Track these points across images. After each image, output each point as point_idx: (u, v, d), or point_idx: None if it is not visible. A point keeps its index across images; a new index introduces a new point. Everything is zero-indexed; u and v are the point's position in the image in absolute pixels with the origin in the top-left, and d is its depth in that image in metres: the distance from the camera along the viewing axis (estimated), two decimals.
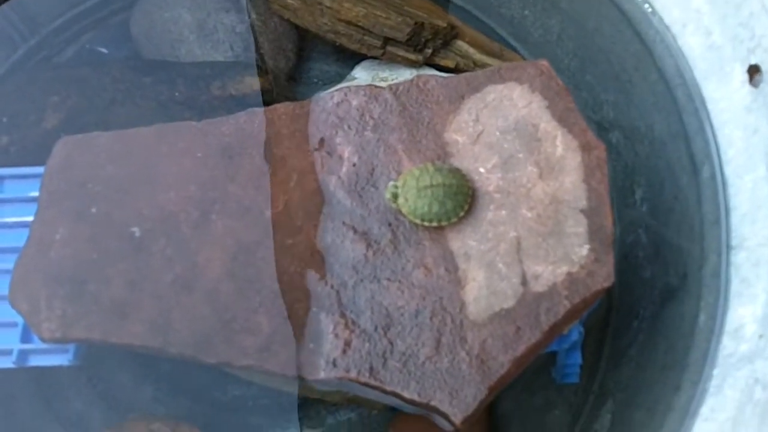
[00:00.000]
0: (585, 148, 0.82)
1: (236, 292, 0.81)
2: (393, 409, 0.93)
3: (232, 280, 0.82)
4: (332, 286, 0.81)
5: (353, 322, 0.79)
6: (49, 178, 0.88)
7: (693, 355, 0.81)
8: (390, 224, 0.82)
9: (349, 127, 0.87)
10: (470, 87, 0.87)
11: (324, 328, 0.79)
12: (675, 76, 0.92)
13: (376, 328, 0.78)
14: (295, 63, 1.21)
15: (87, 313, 0.81)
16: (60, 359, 0.86)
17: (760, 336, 0.77)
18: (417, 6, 1.12)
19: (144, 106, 1.07)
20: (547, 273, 0.78)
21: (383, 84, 0.91)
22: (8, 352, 0.86)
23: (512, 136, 0.83)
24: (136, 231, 0.85)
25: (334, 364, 0.78)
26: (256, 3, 1.16)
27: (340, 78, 1.20)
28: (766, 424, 0.73)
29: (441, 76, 0.89)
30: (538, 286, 0.77)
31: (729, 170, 0.84)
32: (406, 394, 0.76)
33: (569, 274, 0.77)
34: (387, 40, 1.10)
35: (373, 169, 0.85)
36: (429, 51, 1.12)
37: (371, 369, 0.77)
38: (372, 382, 0.77)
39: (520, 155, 0.83)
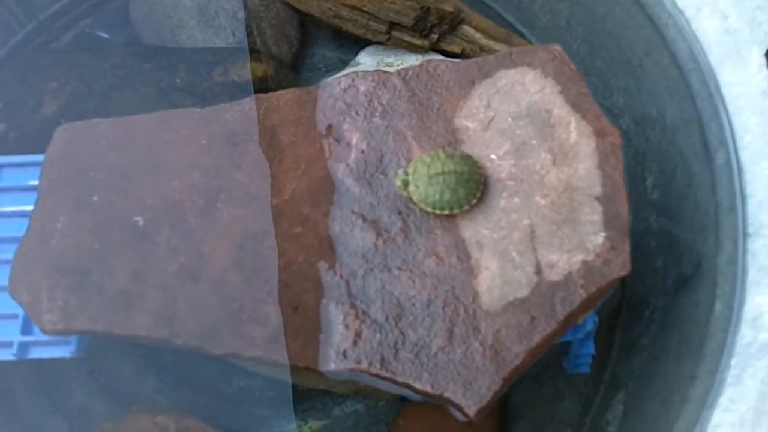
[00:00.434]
0: (599, 133, 0.80)
1: (243, 282, 0.79)
2: (402, 399, 0.92)
3: (238, 269, 0.80)
4: (341, 276, 0.79)
5: (363, 313, 0.77)
6: (50, 165, 0.86)
7: (709, 345, 0.80)
8: (400, 212, 0.80)
9: (357, 114, 0.85)
10: (481, 72, 0.85)
11: (334, 318, 0.77)
12: (688, 60, 0.90)
13: (387, 319, 0.77)
14: (298, 49, 1.18)
15: (90, 304, 0.79)
16: (62, 351, 0.84)
17: None
18: None
19: (144, 92, 1.05)
20: (562, 262, 0.76)
21: (389, 70, 0.89)
22: (8, 344, 0.84)
23: (525, 122, 0.82)
24: (140, 220, 0.83)
25: (345, 355, 0.76)
26: None
27: (343, 64, 1.18)
28: None
29: (451, 61, 0.87)
30: (553, 275, 0.76)
31: (745, 156, 0.83)
32: (418, 386, 0.74)
33: (585, 262, 0.76)
34: (392, 25, 1.08)
35: (382, 156, 0.83)
36: (435, 36, 1.10)
37: (382, 360, 0.75)
38: (383, 373, 0.75)
39: (533, 141, 0.81)
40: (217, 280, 0.80)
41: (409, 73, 0.86)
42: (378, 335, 0.76)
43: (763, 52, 0.83)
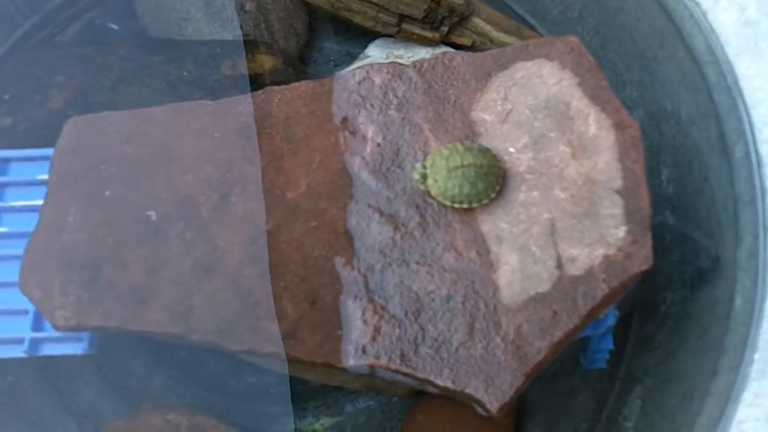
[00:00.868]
0: (619, 126, 0.79)
1: (259, 276, 0.78)
2: (416, 395, 0.91)
3: (254, 264, 0.79)
4: (359, 271, 0.78)
5: (382, 308, 0.76)
6: (60, 159, 0.85)
7: (730, 340, 0.79)
8: (418, 206, 0.79)
9: (372, 106, 0.84)
10: (497, 64, 0.84)
11: (352, 313, 0.76)
12: (705, 53, 0.89)
13: (406, 314, 0.76)
14: (306, 42, 1.17)
15: (103, 299, 0.78)
16: (74, 348, 0.83)
17: None
18: None
19: (152, 85, 1.03)
20: (583, 256, 0.75)
21: (404, 62, 0.88)
22: (19, 341, 0.82)
23: (543, 115, 0.81)
24: (153, 214, 0.81)
25: (364, 351, 0.75)
26: None
27: (351, 57, 1.17)
28: None
29: (466, 53, 0.86)
30: (574, 270, 0.75)
31: (765, 149, 0.82)
32: (439, 382, 0.73)
33: (606, 256, 0.75)
34: (402, 18, 1.07)
35: (398, 150, 0.82)
36: (445, 29, 1.08)
37: (402, 355, 0.74)
38: (403, 369, 0.74)
39: (552, 134, 0.80)
40: (232, 275, 0.78)
41: (425, 65, 0.85)
42: (397, 330, 0.75)
43: None
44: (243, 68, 1.06)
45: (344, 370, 0.76)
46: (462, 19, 1.10)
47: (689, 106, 0.93)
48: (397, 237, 0.78)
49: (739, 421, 0.72)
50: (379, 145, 0.82)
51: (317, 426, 0.98)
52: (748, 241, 0.82)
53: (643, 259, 0.74)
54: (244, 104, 0.86)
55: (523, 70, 0.83)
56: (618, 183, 0.77)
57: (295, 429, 0.98)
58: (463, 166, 0.76)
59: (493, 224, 0.78)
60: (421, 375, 0.74)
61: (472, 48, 1.10)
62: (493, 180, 0.77)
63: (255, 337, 0.76)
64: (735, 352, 0.78)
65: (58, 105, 1.01)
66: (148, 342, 0.99)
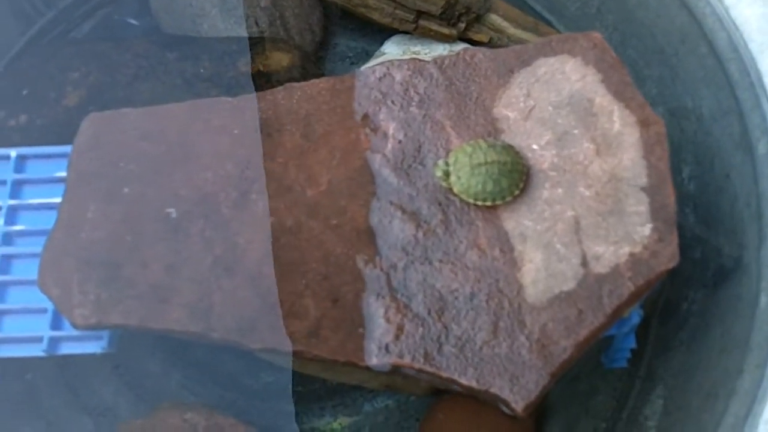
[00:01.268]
0: (643, 123, 0.78)
1: (280, 274, 0.78)
2: (436, 393, 0.90)
3: (275, 262, 0.78)
4: (381, 269, 0.77)
5: (405, 306, 0.75)
6: (78, 156, 0.84)
7: (755, 338, 0.78)
8: (440, 203, 0.79)
9: (393, 103, 0.83)
10: (520, 60, 0.83)
11: (374, 312, 0.76)
12: (727, 49, 0.88)
13: (429, 312, 0.75)
14: (321, 39, 1.16)
15: (123, 297, 0.78)
16: (93, 347, 0.82)
17: None
18: None
19: (168, 82, 1.03)
20: (608, 254, 0.74)
21: (425, 58, 0.87)
22: (38, 340, 0.82)
23: (566, 111, 0.80)
24: (173, 212, 0.81)
25: (387, 350, 0.74)
26: None
27: (368, 54, 1.16)
28: None
29: (488, 49, 0.85)
30: (600, 268, 0.74)
31: None
32: (463, 381, 0.73)
33: (632, 254, 0.74)
34: (420, 14, 1.06)
35: (420, 146, 0.81)
36: (462, 25, 1.08)
37: (426, 354, 0.74)
38: (427, 368, 0.73)
39: (575, 131, 0.79)
40: (253, 273, 0.78)
41: (446, 61, 0.84)
42: (420, 329, 0.74)
43: None
44: (260, 65, 1.05)
45: (366, 368, 0.75)
46: (479, 16, 1.09)
47: (711, 103, 0.92)
48: (420, 234, 0.78)
49: (767, 420, 0.72)
50: (400, 142, 0.82)
51: (335, 425, 0.97)
52: None
53: (669, 257, 0.74)
54: (264, 101, 0.85)
55: (545, 66, 0.82)
56: (643, 180, 0.76)
57: (313, 428, 0.97)
58: (486, 163, 0.76)
59: (517, 222, 0.77)
60: (444, 374, 0.73)
61: (489, 44, 1.09)
62: (516, 177, 0.77)
63: (276, 335, 0.76)
64: (761, 350, 0.77)
65: (73, 102, 1.00)
66: (164, 340, 0.99)
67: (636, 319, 0.79)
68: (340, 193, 0.80)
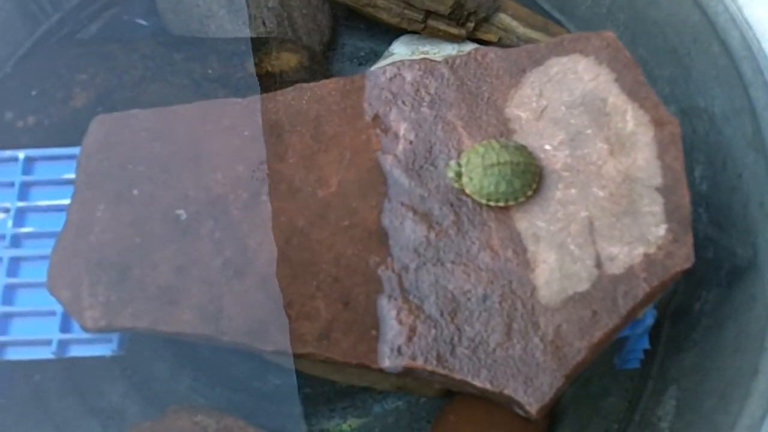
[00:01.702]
0: (657, 123, 0.78)
1: (291, 276, 0.77)
2: (447, 395, 0.90)
3: (285, 264, 0.77)
4: (393, 270, 0.76)
5: (417, 308, 0.75)
6: (87, 158, 0.84)
7: None
8: (452, 204, 0.78)
9: (403, 103, 0.83)
10: (531, 60, 0.83)
11: (386, 313, 0.75)
12: (740, 48, 0.87)
13: (442, 314, 0.74)
14: (329, 39, 1.16)
15: (133, 300, 0.77)
16: (103, 349, 0.81)
17: None
18: None
19: (176, 83, 1.02)
20: (622, 254, 0.74)
21: (436, 58, 0.87)
22: (47, 342, 0.81)
23: (579, 111, 0.79)
24: (182, 213, 0.80)
25: (400, 352, 0.73)
26: None
27: (376, 55, 1.16)
28: None
29: (499, 49, 0.84)
30: (614, 269, 0.73)
31: None
32: (477, 383, 0.72)
33: (646, 255, 0.73)
34: (428, 14, 1.06)
35: (431, 147, 0.81)
36: (471, 25, 1.07)
37: (438, 356, 0.73)
38: (440, 370, 0.73)
39: (589, 131, 0.79)
40: (263, 275, 0.77)
41: (457, 61, 0.84)
42: (433, 331, 0.74)
43: None
44: (268, 66, 1.05)
45: (379, 371, 0.74)
46: (488, 15, 1.08)
47: (723, 102, 0.92)
48: (432, 236, 0.77)
49: None
50: (411, 142, 0.81)
51: (345, 427, 0.97)
52: None
53: (684, 258, 0.73)
54: (273, 102, 0.85)
55: (557, 65, 0.82)
56: (658, 180, 0.76)
57: (322, 430, 0.97)
58: (499, 163, 0.75)
59: (530, 222, 0.76)
60: (458, 376, 0.72)
61: (498, 44, 1.08)
62: (529, 178, 0.76)
63: (287, 338, 0.75)
64: None
65: (81, 103, 1.00)
66: (172, 343, 0.98)
67: (650, 320, 0.78)
68: (350, 195, 0.80)
